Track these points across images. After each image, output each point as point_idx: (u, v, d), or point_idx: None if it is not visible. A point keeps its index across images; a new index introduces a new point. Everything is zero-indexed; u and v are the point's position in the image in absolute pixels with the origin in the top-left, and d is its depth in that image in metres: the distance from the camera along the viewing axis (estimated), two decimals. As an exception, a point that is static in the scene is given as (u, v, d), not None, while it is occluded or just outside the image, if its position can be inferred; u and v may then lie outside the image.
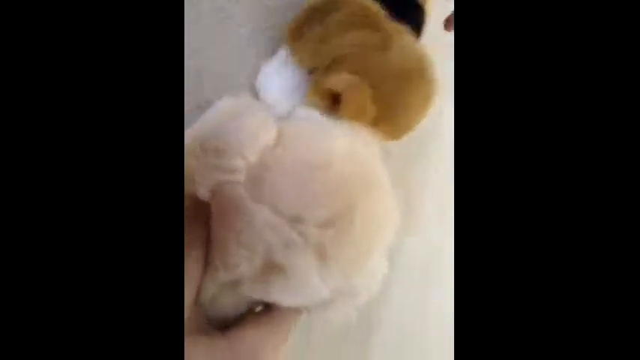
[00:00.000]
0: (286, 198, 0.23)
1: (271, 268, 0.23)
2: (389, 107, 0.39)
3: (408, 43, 0.40)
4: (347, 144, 0.26)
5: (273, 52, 0.45)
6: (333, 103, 0.39)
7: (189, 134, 0.28)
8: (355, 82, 0.37)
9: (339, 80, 0.38)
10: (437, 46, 0.49)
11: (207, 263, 0.24)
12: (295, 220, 0.23)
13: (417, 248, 0.72)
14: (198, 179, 0.24)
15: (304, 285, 0.23)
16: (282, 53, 0.44)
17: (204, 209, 0.24)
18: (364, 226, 0.24)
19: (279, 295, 0.24)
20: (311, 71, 0.42)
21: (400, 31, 0.40)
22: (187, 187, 0.24)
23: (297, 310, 0.25)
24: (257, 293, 0.24)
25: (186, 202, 0.24)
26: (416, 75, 0.41)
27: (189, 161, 0.24)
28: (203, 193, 0.24)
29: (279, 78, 0.43)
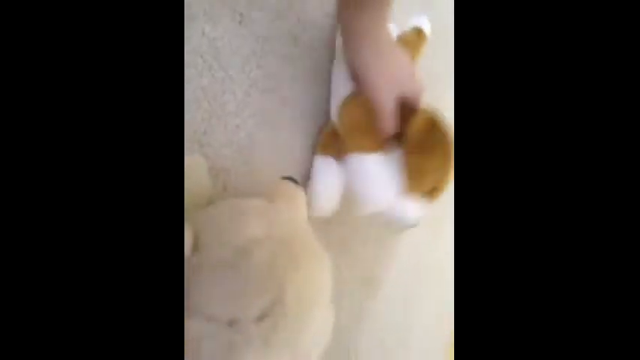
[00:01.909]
0: (215, 304, 0.23)
1: None
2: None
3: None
4: (262, 226, 0.26)
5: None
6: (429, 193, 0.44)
7: None
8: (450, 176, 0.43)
9: (445, 177, 0.43)
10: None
11: None
12: (233, 322, 0.23)
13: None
14: None
15: None
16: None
17: None
18: (299, 301, 0.25)
19: None
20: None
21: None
22: None
23: None
24: None
25: None
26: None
27: None
28: None
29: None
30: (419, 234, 0.82)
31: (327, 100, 0.51)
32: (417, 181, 0.44)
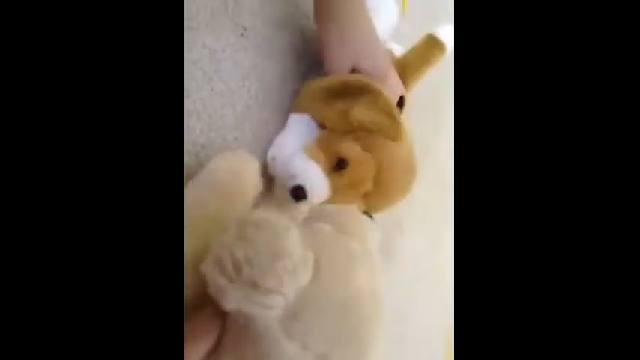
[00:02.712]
0: (317, 337, 0.25)
1: None
2: (382, 191, 0.43)
3: (411, 140, 0.44)
4: (367, 277, 0.28)
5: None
6: (335, 164, 0.41)
7: (191, 197, 0.30)
8: (366, 159, 0.40)
9: (352, 150, 0.40)
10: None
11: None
12: (321, 356, 0.25)
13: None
14: (229, 299, 0.24)
15: None
16: (298, 118, 0.45)
17: (217, 316, 0.25)
18: (372, 353, 0.27)
19: None
20: (323, 127, 0.43)
21: (407, 128, 0.43)
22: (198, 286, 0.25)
23: None
24: None
25: (194, 296, 0.25)
26: (412, 171, 0.45)
27: (212, 271, 0.24)
28: (229, 308, 0.24)
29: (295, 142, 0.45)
30: (419, 241, 0.82)
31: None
32: (321, 143, 0.42)
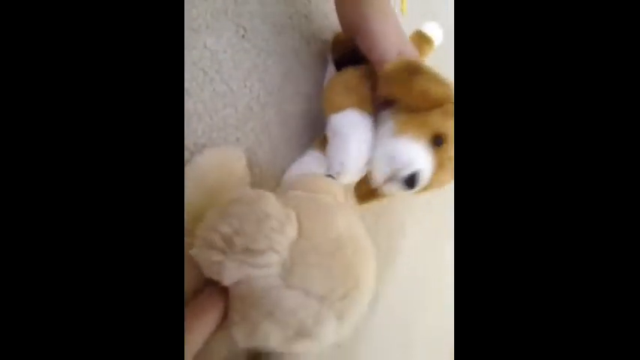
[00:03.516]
0: (314, 283, 0.27)
1: (301, 335, 0.26)
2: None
3: None
4: (344, 224, 0.31)
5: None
6: (432, 141, 0.40)
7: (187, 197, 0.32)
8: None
9: (447, 123, 0.39)
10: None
11: (219, 329, 0.27)
12: (322, 298, 0.27)
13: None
14: (226, 272, 0.26)
15: (325, 342, 0.27)
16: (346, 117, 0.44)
17: (218, 292, 0.27)
18: (367, 288, 0.30)
19: (299, 350, 0.27)
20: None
21: None
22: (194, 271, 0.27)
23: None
24: (279, 349, 0.27)
25: (195, 282, 0.27)
26: None
27: (205, 252, 0.26)
28: (229, 281, 0.26)
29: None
30: (418, 245, 0.82)
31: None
32: (412, 125, 0.41)
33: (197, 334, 0.25)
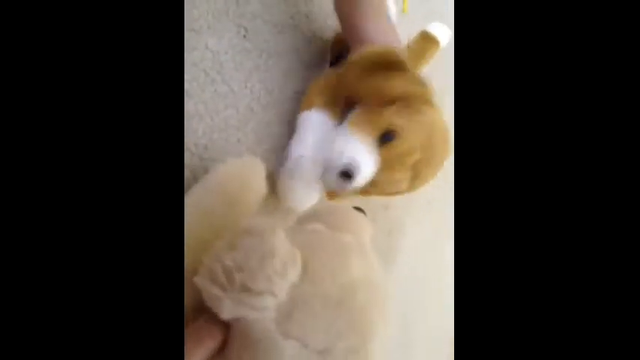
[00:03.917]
0: (315, 334, 0.25)
1: None
2: (430, 158, 0.41)
3: (441, 111, 0.43)
4: (361, 267, 0.28)
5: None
6: (381, 137, 0.39)
7: (198, 203, 0.30)
8: (414, 126, 0.39)
9: (400, 119, 0.39)
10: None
11: None
12: (323, 352, 0.25)
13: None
14: (224, 309, 0.24)
15: None
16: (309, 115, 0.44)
17: (219, 321, 0.25)
18: (380, 347, 0.27)
19: None
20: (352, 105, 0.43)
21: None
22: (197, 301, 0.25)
23: None
24: None
25: (196, 302, 0.25)
26: (449, 136, 0.42)
27: (205, 284, 0.24)
28: (226, 317, 0.24)
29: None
30: (418, 244, 0.82)
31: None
32: (362, 120, 0.40)
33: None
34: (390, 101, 0.39)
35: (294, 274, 0.25)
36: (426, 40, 0.52)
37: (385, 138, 0.39)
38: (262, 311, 0.24)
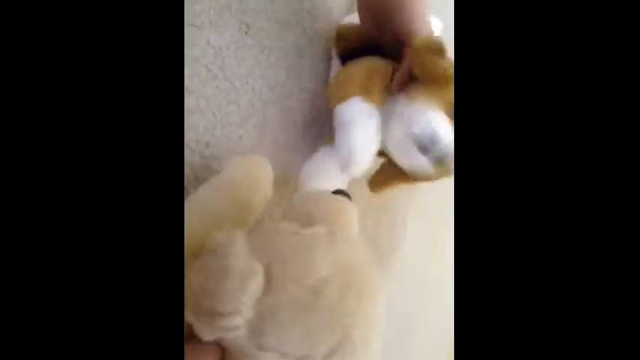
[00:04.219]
0: (291, 343, 0.24)
1: None
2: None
3: None
4: (328, 261, 0.26)
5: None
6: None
7: (208, 203, 0.30)
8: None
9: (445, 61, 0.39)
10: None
11: None
12: (305, 357, 0.24)
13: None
14: (202, 333, 0.24)
15: None
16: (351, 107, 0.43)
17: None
18: (365, 336, 0.26)
19: None
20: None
21: None
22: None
23: None
24: None
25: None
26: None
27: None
28: (208, 339, 0.24)
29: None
30: (419, 244, 0.82)
31: (332, 112, 0.50)
32: (426, 92, 0.40)
33: None
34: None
35: (255, 288, 0.24)
36: None
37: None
38: (234, 331, 0.24)
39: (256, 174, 0.37)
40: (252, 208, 0.35)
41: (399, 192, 0.48)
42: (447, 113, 0.39)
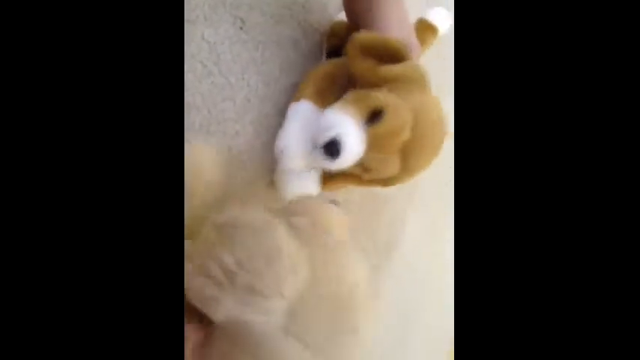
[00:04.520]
0: (316, 334, 0.24)
1: None
2: (420, 140, 0.39)
3: (437, 99, 0.41)
4: (356, 270, 0.28)
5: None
6: (369, 117, 0.37)
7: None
8: (402, 104, 0.37)
9: (388, 97, 0.37)
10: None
11: None
12: (319, 351, 0.24)
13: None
14: (221, 309, 0.22)
15: None
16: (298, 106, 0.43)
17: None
18: (365, 333, 0.27)
19: None
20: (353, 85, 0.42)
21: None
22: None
23: None
24: None
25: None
26: (444, 123, 0.41)
27: (198, 279, 0.22)
28: (219, 319, 0.23)
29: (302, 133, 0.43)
30: (418, 240, 0.82)
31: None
32: (351, 98, 0.38)
33: None
34: (384, 84, 0.39)
35: (303, 274, 0.24)
36: (425, 29, 0.51)
37: (374, 118, 0.37)
38: (270, 314, 0.23)
39: (198, 161, 0.36)
40: (196, 197, 0.34)
41: (398, 189, 0.48)
42: (366, 116, 0.38)
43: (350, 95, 0.39)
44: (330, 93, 0.43)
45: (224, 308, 0.22)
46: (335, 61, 0.45)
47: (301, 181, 0.44)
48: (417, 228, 0.82)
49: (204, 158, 0.37)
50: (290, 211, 0.34)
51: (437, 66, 0.58)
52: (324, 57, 0.50)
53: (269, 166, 0.46)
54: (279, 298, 0.23)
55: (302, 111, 0.43)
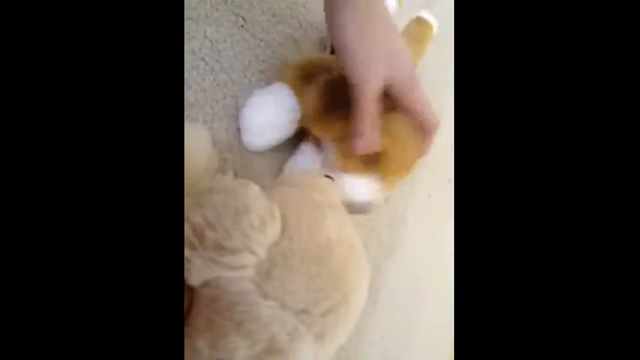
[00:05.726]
0: (294, 294, 0.24)
1: (271, 353, 0.23)
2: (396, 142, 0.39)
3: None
4: (335, 227, 0.27)
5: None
6: (366, 163, 0.38)
7: None
8: (395, 142, 0.37)
9: (381, 141, 0.36)
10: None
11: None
12: (301, 313, 0.24)
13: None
14: (193, 271, 0.22)
15: None
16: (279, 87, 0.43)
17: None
18: (357, 304, 0.27)
19: None
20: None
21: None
22: None
23: None
24: None
25: None
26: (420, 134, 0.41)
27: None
28: (195, 282, 0.23)
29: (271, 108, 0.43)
30: (419, 239, 0.82)
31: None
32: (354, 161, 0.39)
33: None
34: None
35: (274, 229, 0.24)
36: (422, 25, 0.52)
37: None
38: (240, 270, 0.23)
39: (188, 143, 0.36)
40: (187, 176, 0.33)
41: (399, 187, 0.48)
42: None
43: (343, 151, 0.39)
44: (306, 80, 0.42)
45: (196, 269, 0.22)
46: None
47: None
48: (418, 227, 0.82)
49: (192, 141, 0.36)
50: (280, 182, 0.34)
51: (436, 63, 0.59)
52: (329, 53, 0.51)
53: (269, 164, 0.47)
54: (247, 253, 0.23)
55: (273, 90, 0.42)
